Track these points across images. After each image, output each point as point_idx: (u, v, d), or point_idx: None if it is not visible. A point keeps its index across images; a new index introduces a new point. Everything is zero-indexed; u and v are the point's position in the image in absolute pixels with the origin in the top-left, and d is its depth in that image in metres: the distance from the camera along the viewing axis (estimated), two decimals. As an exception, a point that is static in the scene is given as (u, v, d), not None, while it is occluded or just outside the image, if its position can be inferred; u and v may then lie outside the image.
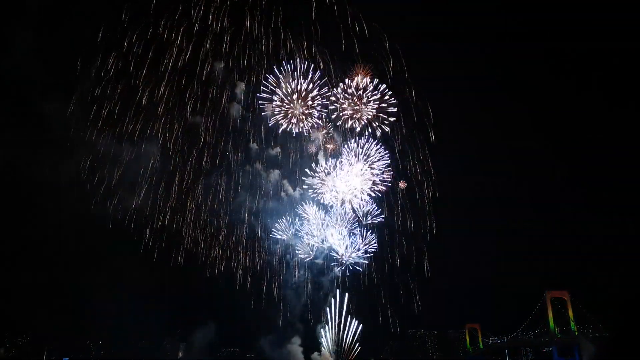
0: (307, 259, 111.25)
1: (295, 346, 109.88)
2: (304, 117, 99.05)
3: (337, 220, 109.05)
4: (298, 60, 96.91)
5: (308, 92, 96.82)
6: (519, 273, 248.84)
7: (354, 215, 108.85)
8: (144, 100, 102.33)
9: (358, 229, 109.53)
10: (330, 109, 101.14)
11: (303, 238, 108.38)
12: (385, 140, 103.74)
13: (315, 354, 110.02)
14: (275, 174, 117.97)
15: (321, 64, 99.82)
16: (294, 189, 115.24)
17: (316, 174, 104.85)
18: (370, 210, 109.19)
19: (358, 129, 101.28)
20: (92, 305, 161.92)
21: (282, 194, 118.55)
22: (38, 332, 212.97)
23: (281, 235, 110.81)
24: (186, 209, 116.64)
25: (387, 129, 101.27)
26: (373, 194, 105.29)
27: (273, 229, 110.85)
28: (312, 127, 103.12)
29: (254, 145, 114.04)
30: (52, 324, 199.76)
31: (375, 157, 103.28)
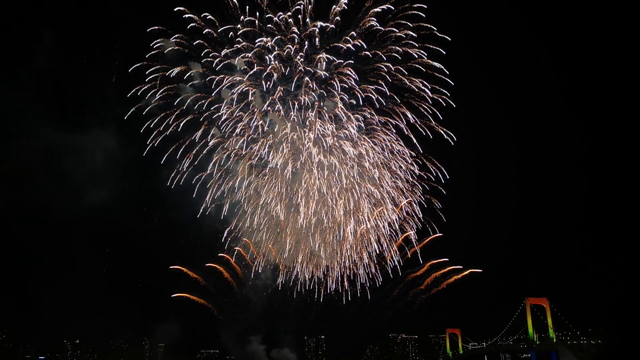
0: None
1: (256, 344, 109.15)
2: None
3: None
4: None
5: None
6: (499, 279, 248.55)
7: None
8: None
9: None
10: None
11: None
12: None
13: (275, 350, 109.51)
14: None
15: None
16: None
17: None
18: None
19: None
20: (62, 302, 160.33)
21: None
22: (14, 330, 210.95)
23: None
24: (148, 204, 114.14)
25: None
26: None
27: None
28: None
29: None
30: (27, 322, 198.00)
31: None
